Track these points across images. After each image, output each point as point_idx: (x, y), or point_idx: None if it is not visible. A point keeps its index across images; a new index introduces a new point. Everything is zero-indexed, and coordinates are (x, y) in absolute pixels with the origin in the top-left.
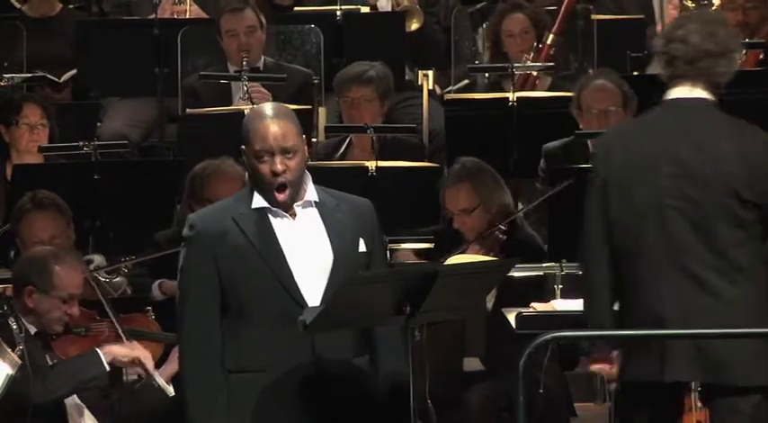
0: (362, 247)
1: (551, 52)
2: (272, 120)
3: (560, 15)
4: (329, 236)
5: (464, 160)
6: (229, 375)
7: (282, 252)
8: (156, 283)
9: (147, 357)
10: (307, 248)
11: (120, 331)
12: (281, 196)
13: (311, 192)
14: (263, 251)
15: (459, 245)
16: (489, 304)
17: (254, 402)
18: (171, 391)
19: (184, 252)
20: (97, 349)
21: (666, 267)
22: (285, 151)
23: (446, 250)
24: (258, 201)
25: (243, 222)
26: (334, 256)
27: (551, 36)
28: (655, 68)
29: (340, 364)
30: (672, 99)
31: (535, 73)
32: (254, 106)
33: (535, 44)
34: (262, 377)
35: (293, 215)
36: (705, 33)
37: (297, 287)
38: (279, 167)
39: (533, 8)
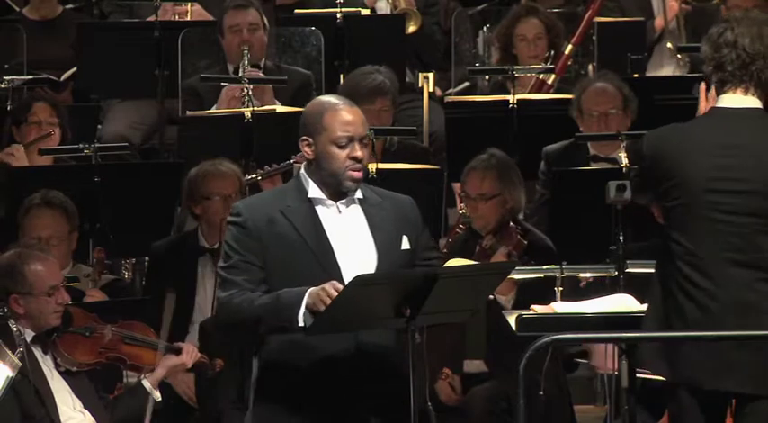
0: (405, 245)
1: (569, 62)
2: (348, 108)
3: (582, 26)
4: (372, 232)
5: (494, 151)
6: (267, 365)
7: (331, 246)
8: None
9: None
10: (352, 243)
11: (121, 336)
12: (357, 174)
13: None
14: (312, 244)
15: (473, 250)
16: (509, 305)
17: (290, 392)
18: (158, 396)
19: (231, 232)
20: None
21: (715, 279)
22: (362, 139)
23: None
24: (314, 190)
25: (291, 214)
26: (378, 253)
27: (570, 46)
28: (654, 70)
29: (381, 356)
30: (723, 107)
31: (541, 77)
32: (318, 98)
33: (552, 52)
34: (301, 367)
35: (340, 210)
36: (754, 35)
37: (342, 281)
38: (360, 154)
39: (548, 14)
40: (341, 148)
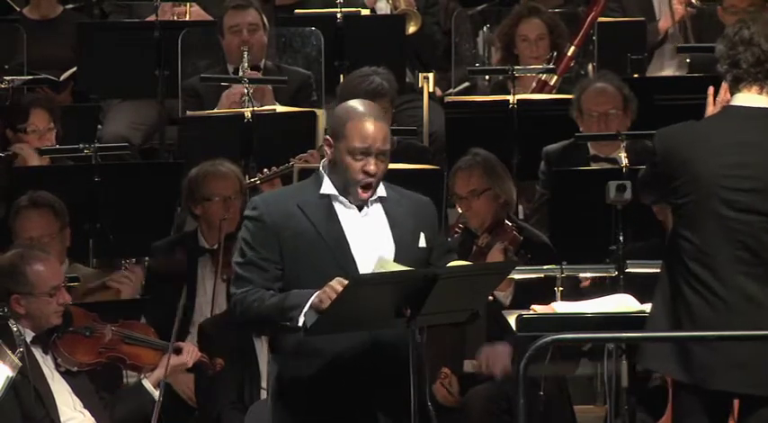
0: (423, 243)
1: (572, 64)
2: (373, 120)
3: (584, 27)
4: (391, 228)
5: (477, 150)
6: (287, 360)
7: (347, 241)
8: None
9: (193, 353)
10: (370, 239)
11: (121, 335)
12: (364, 194)
13: (380, 188)
14: (329, 239)
15: (470, 251)
16: (507, 301)
17: (309, 387)
18: (157, 395)
19: (247, 228)
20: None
21: (724, 278)
22: (381, 153)
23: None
24: (328, 186)
25: (308, 209)
26: (396, 248)
27: (573, 47)
28: (655, 72)
29: (395, 352)
30: (735, 106)
31: (543, 78)
32: (349, 102)
33: (554, 53)
34: (318, 362)
35: (359, 207)
36: None
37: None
38: (373, 169)
39: (551, 14)
40: (355, 159)
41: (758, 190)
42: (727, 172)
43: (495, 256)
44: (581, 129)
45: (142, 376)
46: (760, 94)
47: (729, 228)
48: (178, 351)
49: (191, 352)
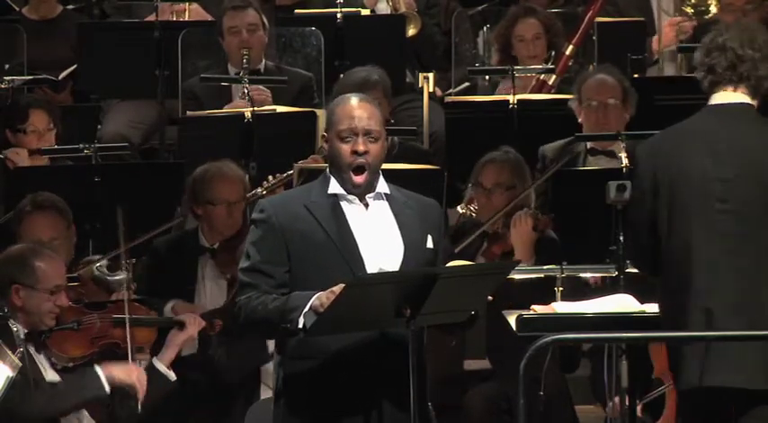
0: (430, 244)
1: (570, 63)
2: (358, 103)
3: (582, 27)
4: (400, 228)
5: (507, 148)
6: (289, 361)
7: (355, 241)
8: (170, 305)
9: (141, 384)
10: (378, 238)
11: (110, 321)
12: (358, 178)
13: (382, 185)
14: (336, 238)
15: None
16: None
17: (313, 385)
18: (172, 376)
19: (254, 231)
20: (97, 368)
21: (716, 269)
22: (368, 133)
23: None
24: (335, 186)
25: (315, 210)
26: (405, 248)
27: (571, 47)
28: (655, 71)
29: (400, 348)
30: (714, 104)
31: (542, 78)
32: (342, 96)
33: (552, 52)
34: (323, 360)
35: (366, 205)
36: (744, 40)
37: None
38: (361, 147)
39: (547, 14)
40: (344, 142)
41: (740, 184)
42: (711, 173)
43: (523, 221)
44: (579, 119)
45: (153, 358)
46: (734, 91)
47: (715, 225)
48: (182, 325)
49: (193, 322)
